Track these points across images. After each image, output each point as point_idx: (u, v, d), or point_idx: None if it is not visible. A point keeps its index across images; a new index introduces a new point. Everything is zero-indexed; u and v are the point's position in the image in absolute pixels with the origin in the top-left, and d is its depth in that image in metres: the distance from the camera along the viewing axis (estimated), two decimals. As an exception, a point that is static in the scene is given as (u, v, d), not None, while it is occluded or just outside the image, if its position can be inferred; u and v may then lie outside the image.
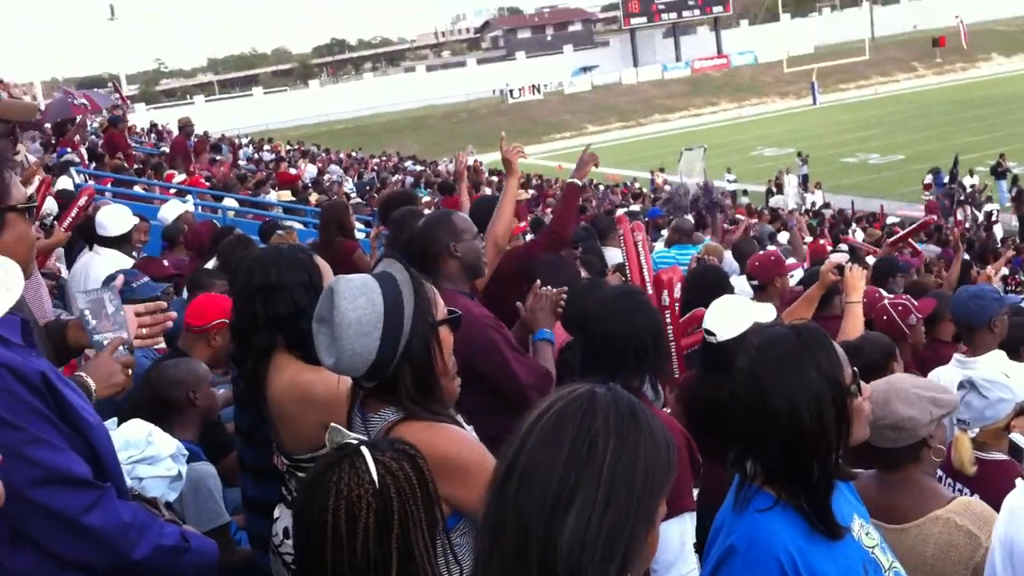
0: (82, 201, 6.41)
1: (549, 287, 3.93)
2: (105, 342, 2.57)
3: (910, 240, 9.65)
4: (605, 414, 1.53)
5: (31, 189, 4.78)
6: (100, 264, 6.05)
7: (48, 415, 2.02)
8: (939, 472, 3.29)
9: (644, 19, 76.01)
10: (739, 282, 6.86)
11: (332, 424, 2.04)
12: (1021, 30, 73.67)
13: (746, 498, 2.32)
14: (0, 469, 1.73)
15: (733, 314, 3.74)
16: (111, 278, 3.48)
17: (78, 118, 14.52)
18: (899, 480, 2.86)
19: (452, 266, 3.81)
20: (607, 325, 3.22)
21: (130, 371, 2.58)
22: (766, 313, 3.73)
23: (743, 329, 3.63)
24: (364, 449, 1.87)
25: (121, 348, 2.58)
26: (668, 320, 4.71)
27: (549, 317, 3.91)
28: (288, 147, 33.86)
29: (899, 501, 2.84)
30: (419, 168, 31.16)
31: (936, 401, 2.85)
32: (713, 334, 3.75)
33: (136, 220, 6.64)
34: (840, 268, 4.82)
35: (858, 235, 17.28)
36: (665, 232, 10.36)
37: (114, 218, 6.45)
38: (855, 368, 2.36)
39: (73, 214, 6.31)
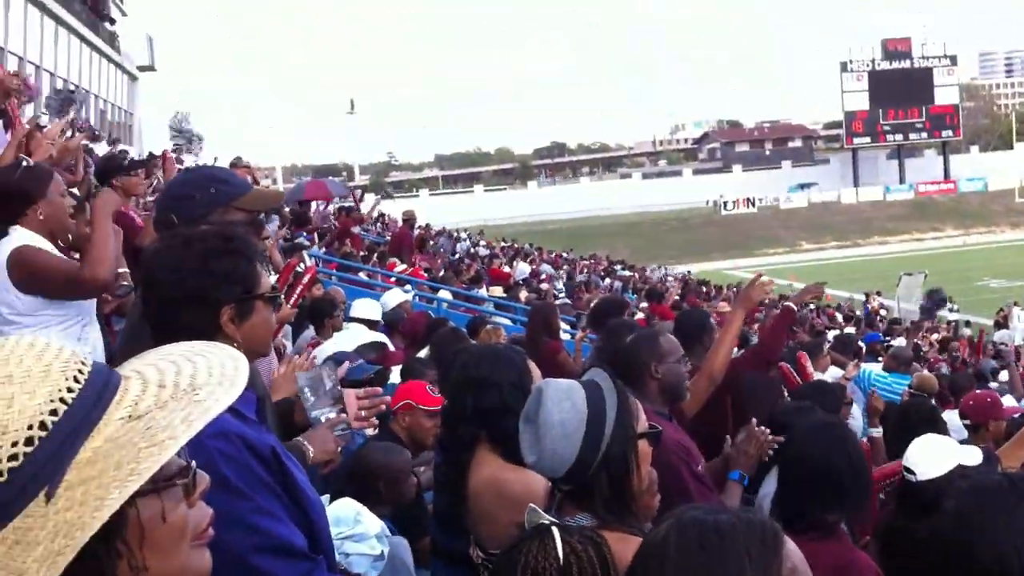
0: (306, 279, 6.89)
1: (765, 429, 3.88)
2: (323, 418, 2.73)
3: None
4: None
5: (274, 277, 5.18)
6: (347, 336, 6.55)
7: (274, 488, 2.13)
8: None
9: (867, 139, 74.45)
10: (951, 417, 6.59)
11: (531, 505, 2.15)
12: None
13: None
14: (226, 534, 1.91)
15: (937, 453, 3.61)
16: (338, 361, 3.74)
17: (315, 206, 15.57)
18: None
19: (652, 387, 3.85)
20: (807, 455, 3.18)
21: (340, 448, 2.74)
22: (972, 456, 3.59)
23: (946, 470, 3.50)
24: (555, 529, 2.01)
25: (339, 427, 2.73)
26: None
27: (751, 461, 3.88)
28: (503, 243, 34.89)
29: None
30: (628, 273, 31.37)
31: None
32: (913, 472, 3.63)
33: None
34: None
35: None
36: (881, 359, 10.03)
37: (367, 306, 7.73)
38: None
39: (298, 291, 6.79)
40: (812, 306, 25.18)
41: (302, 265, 9.58)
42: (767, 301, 4.68)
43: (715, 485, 3.86)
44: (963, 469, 3.37)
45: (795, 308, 5.06)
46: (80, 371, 1.12)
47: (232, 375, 1.21)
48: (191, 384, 1.16)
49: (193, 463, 1.19)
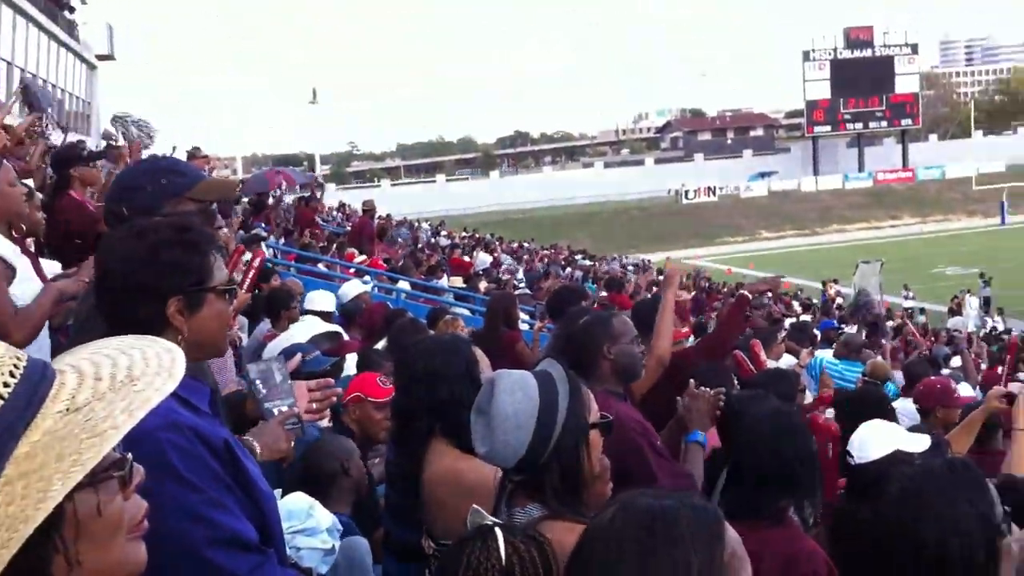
0: (256, 262, 6.83)
1: (707, 388, 3.95)
2: (275, 411, 2.71)
3: None
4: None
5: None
6: (302, 328, 6.51)
7: (226, 480, 2.13)
8: None
9: (828, 128, 75.03)
10: (905, 404, 6.70)
11: (474, 506, 2.17)
12: None
13: None
14: (177, 526, 1.90)
15: (878, 438, 3.68)
16: (290, 353, 3.73)
17: (273, 194, 15.45)
18: None
19: (606, 368, 3.87)
20: (758, 443, 3.21)
21: (292, 443, 2.71)
22: (918, 443, 3.65)
23: (883, 454, 3.57)
24: (498, 530, 2.03)
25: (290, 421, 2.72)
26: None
27: (705, 419, 3.92)
28: (464, 234, 34.84)
29: None
30: (588, 263, 31.47)
31: None
32: (852, 456, 3.70)
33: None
34: (1009, 396, 4.66)
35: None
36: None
37: (322, 298, 7.63)
38: (1006, 507, 2.32)
39: (250, 277, 6.74)
40: (770, 294, 25.41)
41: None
42: (687, 280, 4.73)
43: (673, 455, 3.90)
44: (903, 454, 3.43)
45: (750, 297, 5.10)
46: (16, 366, 1.12)
47: (169, 366, 1.21)
48: (128, 376, 1.17)
49: (129, 455, 1.19)
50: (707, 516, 1.64)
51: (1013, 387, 4.69)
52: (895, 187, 69.79)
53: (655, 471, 3.64)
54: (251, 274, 6.37)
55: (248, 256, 4.99)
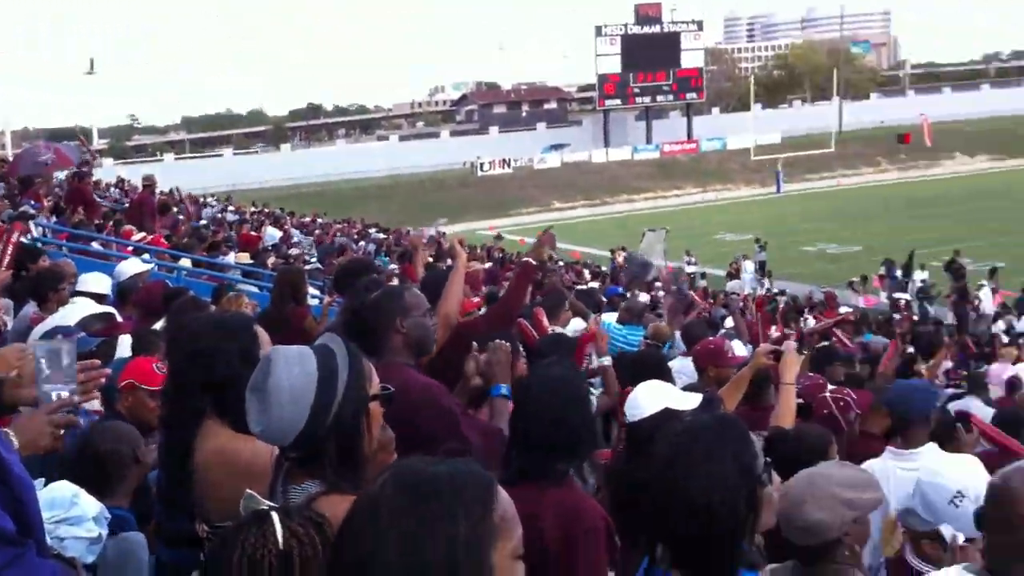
0: (14, 237, 6.43)
1: (503, 341, 3.98)
2: (53, 395, 2.57)
3: (837, 332, 9.83)
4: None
5: None
6: (72, 311, 6.10)
7: None
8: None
9: (618, 101, 77.18)
10: (685, 364, 6.99)
11: (248, 491, 2.10)
12: (983, 130, 75.67)
13: None
14: None
15: (650, 397, 3.81)
16: (49, 335, 3.50)
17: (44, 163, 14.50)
18: (812, 574, 2.93)
19: (398, 341, 3.83)
20: (542, 407, 3.25)
21: (62, 432, 2.58)
22: (688, 401, 3.80)
23: (651, 412, 3.70)
24: (274, 514, 1.96)
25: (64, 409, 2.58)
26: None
27: (506, 371, 3.96)
28: (253, 208, 33.88)
29: None
30: (383, 236, 31.25)
31: (852, 503, 2.92)
32: (625, 414, 3.85)
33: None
34: (776, 352, 4.90)
35: (811, 323, 17.53)
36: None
37: (95, 280, 7.13)
38: (767, 459, 2.45)
39: (9, 253, 6.34)
40: (560, 262, 26.04)
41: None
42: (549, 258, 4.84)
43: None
44: (672, 412, 3.56)
45: (534, 263, 5.11)
46: None
47: None
48: None
49: None
50: (476, 480, 1.64)
51: (790, 344, 4.94)
52: (680, 158, 72.64)
53: (466, 432, 3.64)
54: (9, 250, 5.96)
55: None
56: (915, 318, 21.97)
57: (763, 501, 2.38)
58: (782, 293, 25.42)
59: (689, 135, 77.07)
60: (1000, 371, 11.35)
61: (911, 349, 11.13)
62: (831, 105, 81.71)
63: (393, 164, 70.45)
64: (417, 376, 3.74)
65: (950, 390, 9.92)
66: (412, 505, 1.57)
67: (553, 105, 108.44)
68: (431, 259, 17.38)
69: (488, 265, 19.67)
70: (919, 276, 28.48)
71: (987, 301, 25.24)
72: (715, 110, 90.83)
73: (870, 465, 4.37)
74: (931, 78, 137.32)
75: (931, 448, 4.72)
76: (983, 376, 10.23)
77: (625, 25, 75.64)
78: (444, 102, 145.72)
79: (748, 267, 30.42)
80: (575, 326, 7.50)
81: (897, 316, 20.85)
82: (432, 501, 1.57)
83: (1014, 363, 12.42)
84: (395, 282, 7.56)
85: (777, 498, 2.50)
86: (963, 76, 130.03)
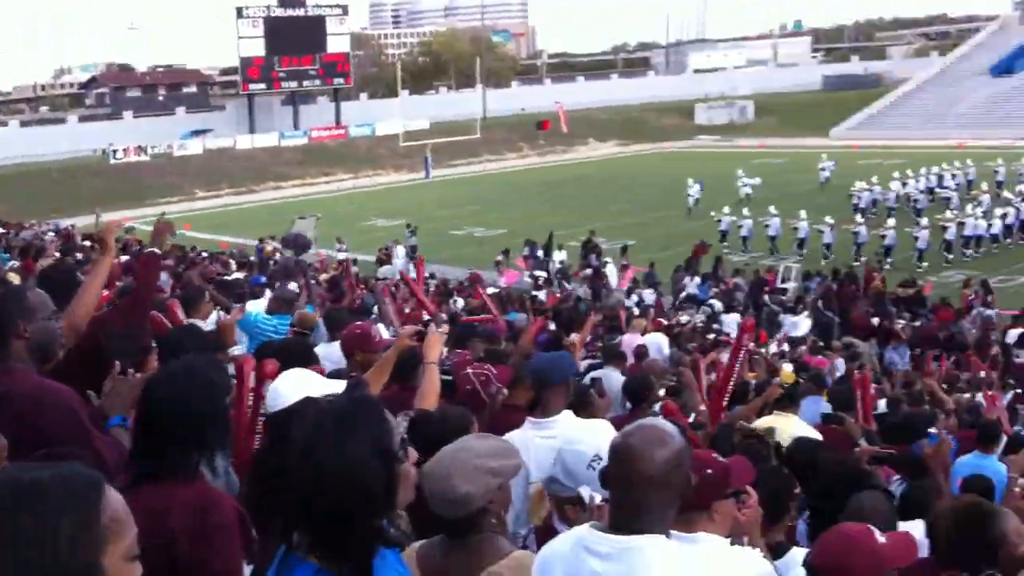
0: None
1: (134, 372, 3.80)
2: None
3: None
4: None
5: None
6: None
7: None
8: None
9: (263, 85, 75.43)
10: (329, 350, 6.94)
11: None
12: (613, 117, 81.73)
13: (288, 569, 2.32)
14: None
15: (292, 387, 3.77)
16: None
17: None
18: (460, 544, 2.99)
19: (19, 346, 3.61)
20: (166, 399, 3.07)
21: None
22: (331, 387, 3.76)
23: (293, 401, 3.65)
24: None
25: None
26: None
27: (126, 404, 3.71)
28: None
29: (456, 564, 2.96)
30: (2, 231, 28.46)
31: (495, 471, 3.01)
32: (266, 404, 3.85)
33: None
34: (419, 333, 4.99)
35: (459, 304, 18.10)
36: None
37: None
38: (404, 435, 2.47)
39: None
40: (205, 253, 25.07)
41: None
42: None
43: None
44: (311, 400, 3.49)
45: (158, 253, 4.86)
46: None
47: None
48: None
49: None
50: (81, 483, 1.62)
51: (433, 326, 5.00)
52: (328, 144, 72.34)
53: (96, 444, 3.41)
54: None
55: None
56: (557, 296, 23.30)
57: (400, 477, 2.40)
58: (432, 276, 26.05)
59: (338, 121, 77.00)
60: (631, 341, 12.21)
61: (553, 326, 11.78)
62: (475, 92, 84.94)
63: (15, 152, 64.40)
64: (46, 381, 3.55)
65: (588, 360, 10.55)
66: (14, 509, 1.54)
67: (193, 89, 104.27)
68: (59, 254, 16.08)
69: (125, 258, 18.45)
70: (558, 256, 30.32)
71: (612, 277, 27.41)
72: (363, 96, 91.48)
73: (511, 436, 4.50)
74: (566, 67, 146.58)
75: (567, 416, 4.96)
76: (617, 346, 10.95)
77: (268, 7, 74.02)
78: (71, 85, 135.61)
79: (400, 252, 30.91)
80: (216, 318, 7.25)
81: (540, 295, 22.01)
82: (36, 504, 1.55)
83: (643, 333, 13.42)
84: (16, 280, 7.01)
85: (415, 473, 2.52)
86: (595, 67, 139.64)
